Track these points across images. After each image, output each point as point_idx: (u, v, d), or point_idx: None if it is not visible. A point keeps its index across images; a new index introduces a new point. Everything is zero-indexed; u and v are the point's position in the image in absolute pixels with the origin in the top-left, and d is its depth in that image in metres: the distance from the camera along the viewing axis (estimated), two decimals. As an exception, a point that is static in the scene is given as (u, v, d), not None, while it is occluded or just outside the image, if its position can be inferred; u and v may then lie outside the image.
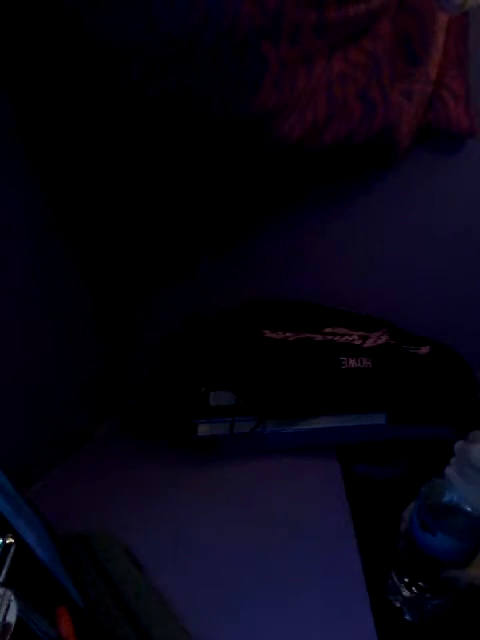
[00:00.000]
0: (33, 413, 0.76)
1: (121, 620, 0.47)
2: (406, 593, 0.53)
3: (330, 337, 0.85)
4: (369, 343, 0.84)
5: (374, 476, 0.77)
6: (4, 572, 0.34)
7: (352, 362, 0.79)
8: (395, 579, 0.54)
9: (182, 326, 0.97)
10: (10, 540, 0.37)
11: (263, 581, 0.55)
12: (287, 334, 0.84)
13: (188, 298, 1.02)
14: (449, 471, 0.56)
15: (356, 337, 0.85)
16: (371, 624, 0.49)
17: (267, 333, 0.84)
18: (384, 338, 0.86)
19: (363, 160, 0.89)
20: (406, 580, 0.53)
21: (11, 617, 0.32)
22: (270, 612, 0.51)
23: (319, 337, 0.85)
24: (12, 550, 0.36)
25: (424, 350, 0.84)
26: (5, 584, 0.34)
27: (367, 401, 0.79)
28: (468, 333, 0.93)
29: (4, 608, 0.32)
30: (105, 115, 0.76)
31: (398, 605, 0.53)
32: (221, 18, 0.61)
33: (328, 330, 0.87)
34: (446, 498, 0.51)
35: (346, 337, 0.85)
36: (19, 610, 0.33)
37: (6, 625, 0.32)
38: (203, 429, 0.80)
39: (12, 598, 0.33)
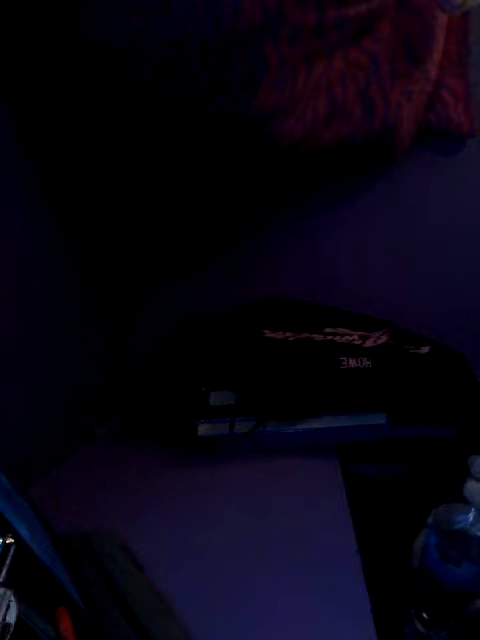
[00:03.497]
0: (33, 413, 0.76)
1: (121, 620, 0.47)
2: (426, 632, 0.49)
3: (330, 337, 0.85)
4: (369, 343, 0.84)
5: (374, 476, 0.77)
6: (4, 572, 0.34)
7: (352, 362, 0.79)
8: (416, 622, 0.50)
9: (182, 326, 0.97)
10: (10, 540, 0.37)
11: (262, 581, 0.55)
12: (287, 334, 0.84)
13: (188, 298, 1.01)
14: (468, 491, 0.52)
15: (356, 337, 0.85)
16: (371, 624, 0.49)
17: (267, 333, 0.84)
18: (384, 338, 0.86)
19: (363, 160, 0.89)
20: (425, 617, 0.49)
21: (11, 617, 0.32)
22: (270, 612, 0.51)
23: (319, 337, 0.85)
24: (12, 550, 0.36)
25: (424, 350, 0.84)
26: (5, 584, 0.34)
27: (367, 401, 0.79)
28: (468, 333, 0.93)
29: (4, 608, 0.32)
30: (105, 115, 0.76)
31: None
32: (220, 18, 0.61)
33: (328, 330, 0.87)
34: (459, 525, 0.47)
35: (346, 337, 0.85)
36: (19, 610, 0.33)
37: (6, 625, 0.32)
38: (203, 429, 0.80)
39: (12, 598, 0.33)
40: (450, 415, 0.80)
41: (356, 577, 0.55)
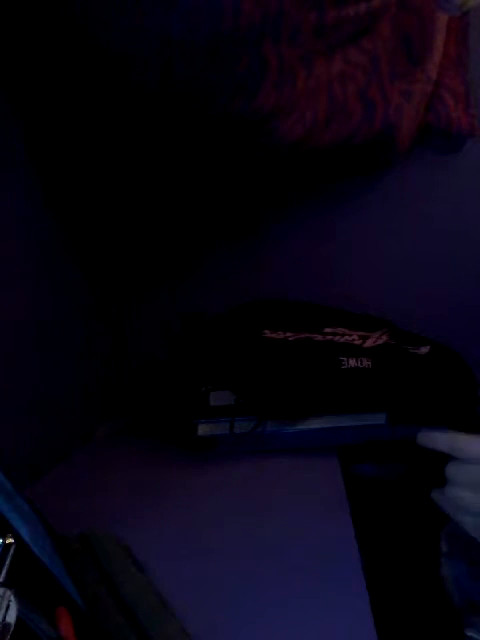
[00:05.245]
0: (33, 413, 0.76)
1: (121, 620, 0.47)
2: None
3: (330, 337, 0.85)
4: (369, 343, 0.84)
5: (374, 476, 0.77)
6: (4, 572, 0.34)
7: (352, 362, 0.79)
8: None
9: (182, 326, 0.97)
10: (10, 540, 0.36)
11: (263, 581, 0.55)
12: (287, 334, 0.84)
13: (188, 298, 1.02)
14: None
15: (356, 337, 0.85)
16: (371, 624, 0.49)
17: (267, 333, 0.84)
18: (384, 338, 0.86)
19: (363, 160, 0.89)
20: None
21: (11, 617, 0.32)
22: (270, 612, 0.51)
23: (319, 337, 0.84)
24: (12, 550, 0.36)
25: (424, 350, 0.84)
26: (5, 584, 0.34)
27: (367, 401, 0.79)
28: (468, 333, 0.93)
29: (4, 608, 0.32)
30: (106, 115, 0.76)
31: None
32: (221, 18, 0.61)
33: (328, 330, 0.87)
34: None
35: (346, 337, 0.85)
36: (19, 610, 0.33)
37: (6, 625, 0.32)
38: (203, 429, 0.80)
39: (12, 598, 0.33)
40: (450, 415, 0.79)
41: (356, 577, 0.55)
